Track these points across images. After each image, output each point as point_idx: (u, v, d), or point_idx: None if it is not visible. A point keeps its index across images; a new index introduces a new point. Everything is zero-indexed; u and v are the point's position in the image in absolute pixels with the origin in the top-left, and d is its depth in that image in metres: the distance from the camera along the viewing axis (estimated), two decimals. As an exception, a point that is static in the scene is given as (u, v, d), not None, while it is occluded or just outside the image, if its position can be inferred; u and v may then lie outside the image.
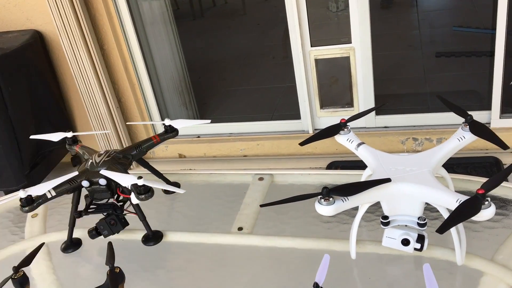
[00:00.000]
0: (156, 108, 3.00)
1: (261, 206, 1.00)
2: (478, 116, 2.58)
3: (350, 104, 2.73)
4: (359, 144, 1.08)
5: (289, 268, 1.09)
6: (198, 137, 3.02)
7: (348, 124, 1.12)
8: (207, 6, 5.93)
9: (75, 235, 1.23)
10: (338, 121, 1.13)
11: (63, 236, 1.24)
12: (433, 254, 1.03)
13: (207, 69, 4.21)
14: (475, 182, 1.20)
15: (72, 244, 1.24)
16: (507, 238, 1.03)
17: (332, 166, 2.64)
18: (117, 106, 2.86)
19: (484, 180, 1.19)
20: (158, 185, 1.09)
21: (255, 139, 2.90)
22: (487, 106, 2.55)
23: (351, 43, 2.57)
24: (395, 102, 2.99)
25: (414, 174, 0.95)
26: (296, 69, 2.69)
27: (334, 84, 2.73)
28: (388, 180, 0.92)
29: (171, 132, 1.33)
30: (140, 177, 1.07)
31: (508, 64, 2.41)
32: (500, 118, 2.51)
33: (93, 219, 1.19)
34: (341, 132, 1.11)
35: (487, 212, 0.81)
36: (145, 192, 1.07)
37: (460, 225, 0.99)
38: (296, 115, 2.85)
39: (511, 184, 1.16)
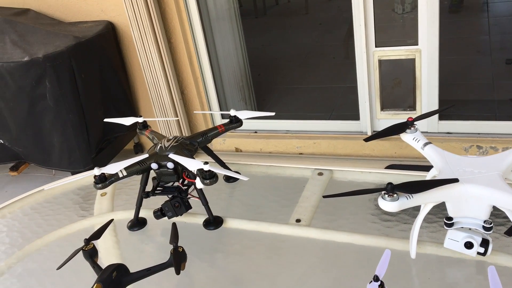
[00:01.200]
0: (217, 101, 3.07)
1: (324, 197, 1.02)
2: (550, 126, 2.46)
3: (412, 107, 2.67)
4: (425, 144, 1.07)
5: (345, 262, 1.09)
6: (255, 132, 3.06)
7: (415, 123, 1.11)
8: (270, 4, 5.98)
9: (141, 214, 1.30)
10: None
11: (129, 214, 1.31)
12: (496, 260, 1.00)
13: (267, 66, 4.24)
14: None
15: (138, 223, 1.30)
16: None
17: (390, 168, 2.60)
18: (180, 97, 2.96)
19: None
20: (223, 171, 1.13)
21: (311, 137, 2.90)
22: (561, 117, 2.43)
23: (417, 45, 2.52)
24: (460, 107, 2.90)
25: (483, 177, 0.93)
26: (358, 69, 2.67)
27: (397, 86, 2.68)
28: (455, 180, 0.91)
29: (236, 122, 1.37)
30: (206, 163, 1.11)
31: None
32: None
33: (158, 201, 1.25)
34: (408, 130, 1.11)
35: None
36: (210, 177, 1.11)
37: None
38: (354, 116, 2.83)
39: None
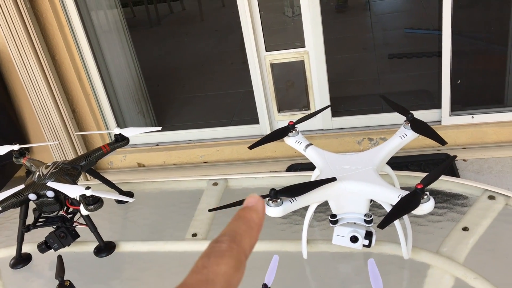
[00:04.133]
0: (113, 117, 2.95)
1: (210, 210, 1.01)
2: (430, 114, 2.67)
3: (307, 107, 2.77)
4: (307, 146, 1.10)
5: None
6: (157, 145, 2.99)
7: (296, 126, 1.14)
8: (164, 13, 5.90)
9: (25, 250, 1.20)
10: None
11: (11, 251, 1.21)
12: (381, 250, 1.06)
13: (165, 76, 4.18)
14: (419, 178, 1.24)
15: (21, 259, 1.20)
16: (450, 230, 1.07)
17: (292, 168, 2.67)
18: (72, 116, 2.80)
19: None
20: (107, 194, 1.08)
21: (214, 145, 2.90)
22: (438, 105, 2.64)
23: (304, 47, 2.61)
24: (350, 103, 3.06)
25: (358, 172, 0.98)
26: (252, 74, 2.71)
27: (291, 87, 2.76)
28: (333, 179, 0.94)
29: (121, 140, 1.32)
30: (88, 188, 1.05)
31: (455, 64, 2.50)
32: (450, 116, 2.59)
33: (43, 233, 1.17)
34: (290, 134, 1.13)
35: (427, 206, 0.84)
36: (94, 202, 1.06)
37: (407, 220, 1.02)
38: (254, 120, 2.87)
39: (454, 179, 1.20)
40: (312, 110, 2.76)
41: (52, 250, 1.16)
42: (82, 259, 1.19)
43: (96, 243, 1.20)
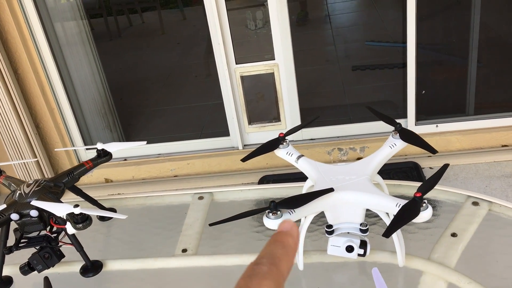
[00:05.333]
0: (78, 132, 2.87)
1: (210, 225, 0.99)
2: (396, 124, 2.75)
3: (277, 118, 2.79)
4: (298, 157, 1.11)
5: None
6: (125, 160, 2.93)
7: (286, 138, 1.14)
8: (123, 26, 5.82)
9: (6, 272, 1.14)
10: (277, 135, 1.14)
11: (-10, 275, 1.14)
12: (374, 258, 1.07)
13: (128, 90, 4.11)
14: (404, 186, 1.27)
15: (2, 283, 1.14)
16: (440, 237, 1.10)
17: (264, 180, 2.68)
18: (36, 132, 2.71)
19: (413, 184, 1.27)
20: (97, 211, 1.05)
21: (184, 158, 2.87)
22: (403, 115, 2.73)
23: (274, 59, 2.64)
24: (319, 115, 3.10)
25: (354, 182, 0.99)
26: (222, 87, 2.71)
27: (261, 99, 2.78)
28: (331, 190, 0.95)
29: (104, 156, 1.28)
30: (76, 205, 1.01)
31: (419, 74, 2.60)
32: (415, 125, 2.69)
33: (22, 254, 1.11)
34: (280, 146, 1.13)
35: (426, 214, 0.86)
36: (82, 220, 1.02)
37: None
38: (225, 132, 2.86)
39: (438, 186, 1.24)
40: (283, 122, 2.79)
41: (35, 272, 1.11)
42: (68, 280, 1.14)
43: (81, 263, 1.16)
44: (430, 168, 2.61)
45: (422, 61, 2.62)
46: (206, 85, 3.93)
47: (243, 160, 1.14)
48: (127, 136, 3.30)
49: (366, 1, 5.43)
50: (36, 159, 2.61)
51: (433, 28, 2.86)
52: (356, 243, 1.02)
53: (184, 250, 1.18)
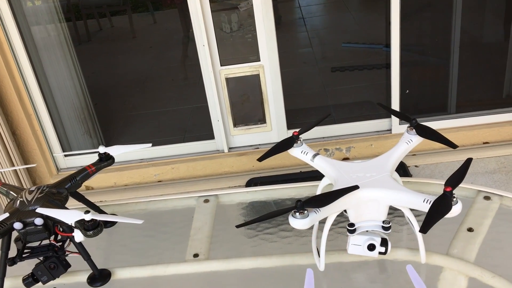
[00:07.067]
0: (56, 137, 2.77)
1: (237, 227, 0.96)
2: (380, 124, 2.78)
3: (262, 120, 2.77)
4: (314, 155, 1.09)
5: (255, 288, 1.05)
6: (107, 166, 2.84)
7: (300, 136, 1.12)
8: (93, 29, 5.68)
9: (8, 285, 1.07)
10: (291, 134, 1.12)
11: (-10, 290, 1.07)
12: (394, 256, 1.06)
13: (104, 95, 4.00)
14: (413, 183, 1.27)
15: (3, 298, 1.07)
16: (456, 232, 1.10)
17: (251, 182, 2.65)
18: (12, 139, 2.59)
19: (426, 181, 1.27)
20: (109, 217, 0.99)
21: (168, 162, 2.81)
22: (387, 114, 2.75)
23: (260, 61, 2.62)
24: (303, 116, 3.10)
25: (376, 179, 0.98)
26: (207, 89, 2.67)
27: (246, 101, 2.75)
28: (356, 187, 0.93)
29: (107, 160, 1.23)
30: (87, 212, 0.96)
31: (402, 75, 2.63)
32: (399, 124, 2.71)
33: (22, 265, 1.05)
34: (295, 145, 1.11)
35: (457, 208, 0.86)
36: (93, 227, 0.97)
37: (415, 224, 1.03)
38: (209, 135, 2.82)
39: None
40: (268, 124, 2.77)
41: (40, 284, 1.05)
42: (75, 291, 1.08)
43: (87, 272, 1.10)
44: (416, 166, 2.64)
45: (406, 61, 2.65)
46: (184, 89, 3.87)
47: (259, 159, 1.11)
48: (107, 141, 3.21)
49: (339, 4, 5.49)
50: (14, 168, 2.50)
51: (415, 29, 2.90)
52: (377, 241, 1.00)
53: (196, 255, 1.14)
